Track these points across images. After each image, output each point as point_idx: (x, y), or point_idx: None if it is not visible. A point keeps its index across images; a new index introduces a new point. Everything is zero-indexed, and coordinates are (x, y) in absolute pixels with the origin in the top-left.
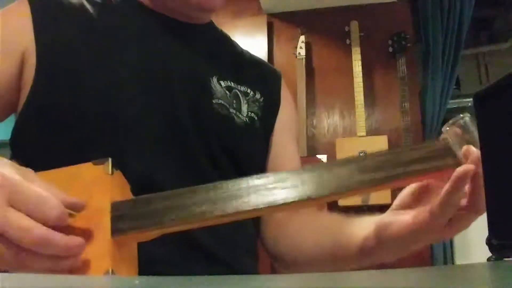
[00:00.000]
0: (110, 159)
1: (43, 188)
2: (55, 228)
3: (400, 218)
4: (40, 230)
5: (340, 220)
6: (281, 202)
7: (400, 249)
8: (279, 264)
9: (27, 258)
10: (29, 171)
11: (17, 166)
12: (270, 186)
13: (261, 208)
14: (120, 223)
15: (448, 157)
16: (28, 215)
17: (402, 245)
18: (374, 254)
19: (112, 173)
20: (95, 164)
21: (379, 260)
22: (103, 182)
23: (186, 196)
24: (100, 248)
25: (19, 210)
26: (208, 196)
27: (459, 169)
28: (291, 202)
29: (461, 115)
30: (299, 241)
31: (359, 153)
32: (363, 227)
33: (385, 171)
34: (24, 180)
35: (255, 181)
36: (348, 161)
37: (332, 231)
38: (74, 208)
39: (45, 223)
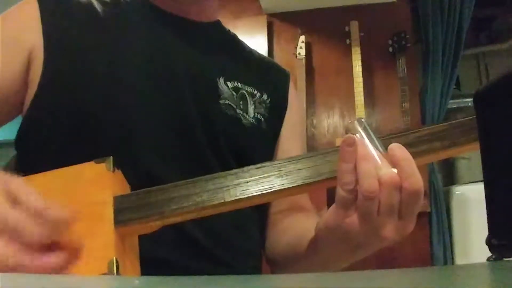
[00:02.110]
0: (111, 157)
1: (32, 206)
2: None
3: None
4: (13, 258)
5: (312, 220)
6: (278, 188)
7: (338, 249)
8: (272, 267)
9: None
10: (18, 184)
11: (7, 180)
12: (267, 174)
13: (258, 195)
14: (122, 214)
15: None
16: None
17: (336, 245)
18: (319, 251)
19: (114, 170)
20: (96, 162)
21: (328, 260)
22: (105, 178)
23: (186, 187)
24: (104, 239)
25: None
26: (207, 186)
27: (345, 137)
28: (288, 188)
29: (349, 123)
30: (275, 244)
31: None
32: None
33: None
34: (5, 206)
35: (253, 170)
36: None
37: (299, 230)
38: (62, 223)
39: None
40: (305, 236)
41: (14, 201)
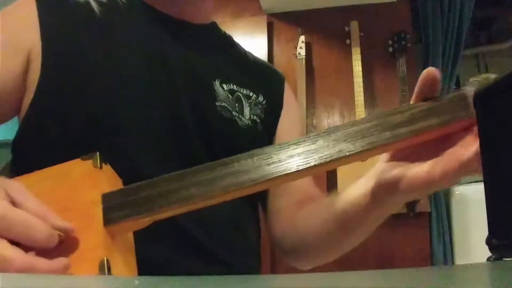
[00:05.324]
0: (98, 153)
1: (34, 209)
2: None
3: (409, 172)
4: (21, 260)
5: (338, 194)
6: (281, 174)
7: (394, 206)
8: (292, 258)
9: None
10: (17, 188)
11: (5, 184)
12: (256, 164)
13: (246, 186)
14: (111, 213)
15: (460, 109)
16: (17, 241)
17: (398, 201)
18: (367, 215)
19: (101, 167)
20: (83, 159)
21: (370, 222)
22: (93, 176)
23: (174, 181)
24: (94, 239)
25: (7, 237)
26: (196, 179)
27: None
28: (280, 176)
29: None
30: (306, 229)
31: None
32: (359, 187)
33: (392, 131)
34: (9, 206)
35: (243, 160)
36: (338, 128)
37: (331, 206)
38: (63, 231)
39: (34, 246)
40: (346, 208)
41: (14, 203)
